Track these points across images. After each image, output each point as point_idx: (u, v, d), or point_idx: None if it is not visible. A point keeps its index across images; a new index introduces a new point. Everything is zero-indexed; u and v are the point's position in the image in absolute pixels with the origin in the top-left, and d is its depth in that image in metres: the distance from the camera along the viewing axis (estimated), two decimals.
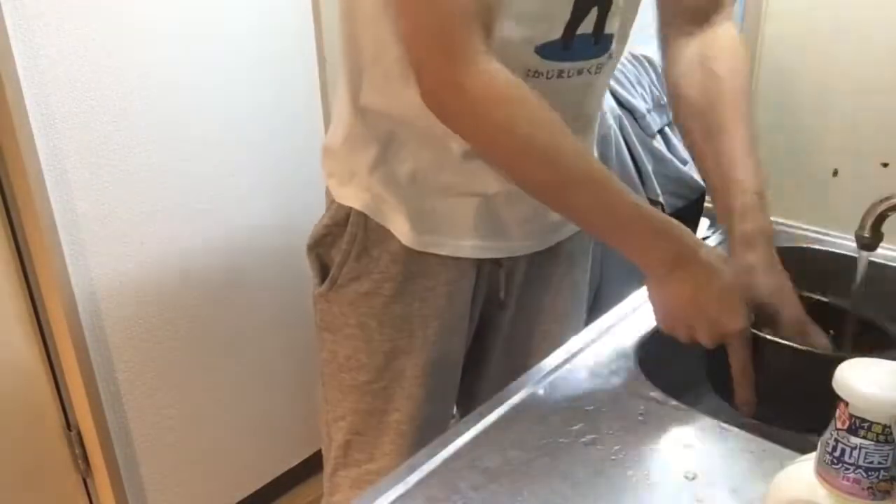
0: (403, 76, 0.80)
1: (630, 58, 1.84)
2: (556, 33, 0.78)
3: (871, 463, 0.49)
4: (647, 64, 1.86)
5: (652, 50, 1.90)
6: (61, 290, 1.37)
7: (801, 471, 0.54)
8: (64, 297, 1.38)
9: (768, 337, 0.78)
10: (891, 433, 0.49)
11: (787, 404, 0.79)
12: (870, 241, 0.84)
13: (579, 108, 0.88)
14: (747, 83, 0.87)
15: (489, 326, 1.03)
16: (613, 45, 0.85)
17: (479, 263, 0.95)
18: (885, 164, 1.10)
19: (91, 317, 1.44)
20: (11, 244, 1.36)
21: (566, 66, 0.81)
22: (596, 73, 0.85)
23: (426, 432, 0.98)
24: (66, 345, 1.42)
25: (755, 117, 1.22)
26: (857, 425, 0.49)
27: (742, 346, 0.76)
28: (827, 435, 0.51)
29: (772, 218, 1.17)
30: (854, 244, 0.86)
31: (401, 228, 0.91)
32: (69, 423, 1.51)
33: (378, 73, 0.85)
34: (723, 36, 0.89)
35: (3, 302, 1.37)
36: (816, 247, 1.10)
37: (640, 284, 1.03)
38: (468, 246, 0.92)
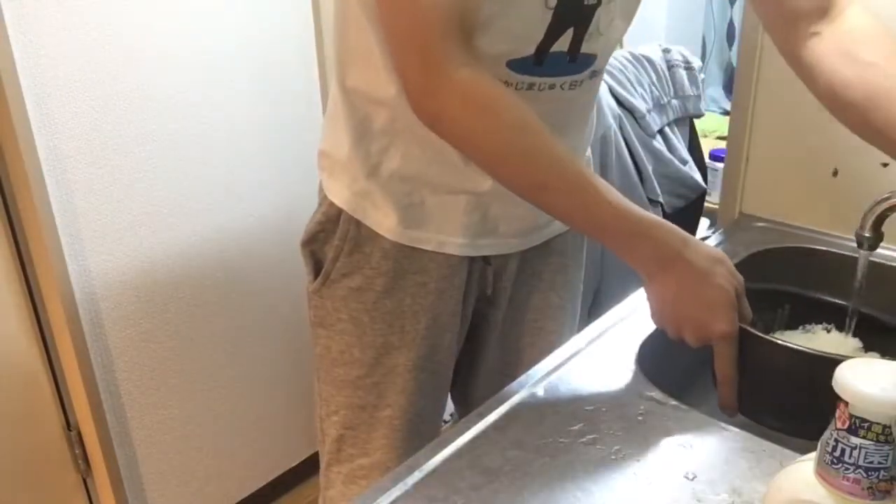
0: (387, 70, 0.81)
1: (630, 58, 1.84)
2: (529, 51, 0.79)
3: (871, 463, 0.49)
4: (647, 64, 1.86)
5: (652, 50, 1.90)
6: (61, 290, 1.37)
7: (801, 471, 0.54)
8: (64, 297, 1.38)
9: (760, 335, 0.78)
10: (891, 433, 0.49)
11: (781, 406, 0.79)
12: (870, 240, 0.84)
13: (552, 121, 0.88)
14: None
15: (482, 324, 1.04)
16: (596, 64, 0.85)
17: (471, 261, 0.96)
18: (885, 164, 1.09)
19: (91, 317, 1.44)
20: (11, 244, 1.36)
21: (537, 80, 0.82)
22: (570, 88, 0.84)
23: (418, 427, 0.99)
24: (66, 345, 1.42)
25: (756, 116, 1.22)
26: (857, 425, 0.49)
27: (727, 349, 0.77)
28: (827, 435, 0.51)
29: (772, 218, 1.18)
30: (854, 244, 0.86)
31: (387, 223, 0.91)
32: (69, 423, 1.51)
33: (365, 65, 0.85)
34: (856, 24, 0.81)
35: (3, 302, 1.37)
36: (816, 247, 1.10)
37: (640, 284, 1.03)
38: (456, 243, 0.93)
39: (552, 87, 0.83)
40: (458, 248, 0.93)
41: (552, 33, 0.78)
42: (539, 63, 0.80)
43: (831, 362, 0.73)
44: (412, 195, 0.90)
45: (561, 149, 0.75)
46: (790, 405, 0.78)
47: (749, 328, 0.78)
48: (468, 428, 0.75)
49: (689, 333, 0.78)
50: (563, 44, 0.80)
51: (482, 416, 0.77)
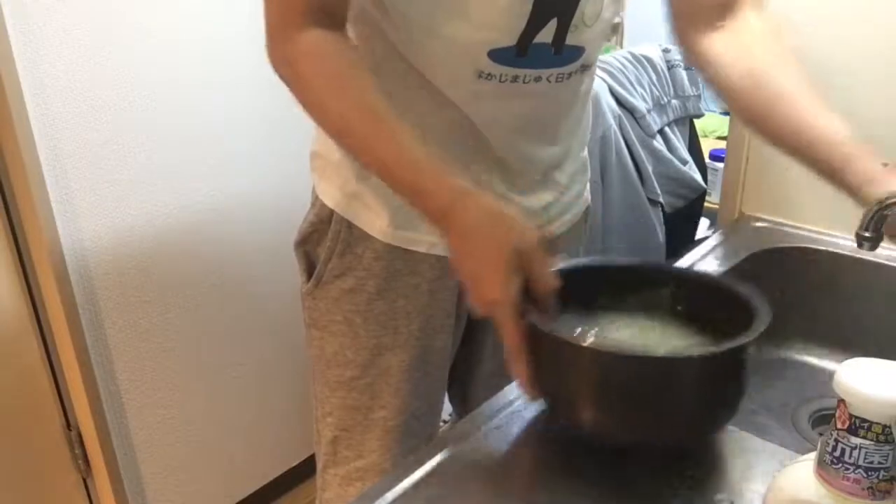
0: (376, 74, 0.80)
1: (630, 58, 1.84)
2: (511, 40, 0.77)
3: (871, 463, 0.50)
4: (647, 64, 1.86)
5: (652, 50, 1.90)
6: (62, 291, 1.37)
7: (801, 471, 0.54)
8: (64, 296, 1.38)
9: (545, 330, 0.67)
10: (891, 433, 0.49)
11: (577, 408, 0.70)
12: (870, 240, 0.84)
13: (540, 116, 0.87)
14: (794, 60, 0.84)
15: (478, 326, 1.03)
16: (585, 58, 0.83)
17: None
18: (885, 164, 1.10)
19: (91, 317, 1.44)
20: (11, 243, 1.36)
21: (521, 72, 0.80)
22: (558, 81, 0.83)
23: (413, 428, 0.98)
24: (66, 345, 1.42)
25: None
26: (857, 425, 0.49)
27: (502, 319, 0.68)
28: (827, 435, 0.51)
29: (772, 218, 1.18)
30: (854, 244, 0.86)
31: (378, 224, 0.91)
32: (69, 423, 1.51)
33: None
34: (755, 25, 0.86)
35: (3, 302, 1.37)
36: (816, 247, 1.10)
37: None
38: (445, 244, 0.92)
39: (538, 79, 0.81)
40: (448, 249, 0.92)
41: (534, 23, 0.76)
42: (522, 54, 0.78)
43: (620, 357, 0.65)
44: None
45: (373, 107, 0.74)
46: (582, 406, 0.69)
47: (536, 322, 0.67)
48: (468, 428, 0.75)
49: (470, 298, 0.71)
50: (546, 35, 0.78)
51: (482, 417, 0.77)
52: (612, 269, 0.82)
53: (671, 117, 1.92)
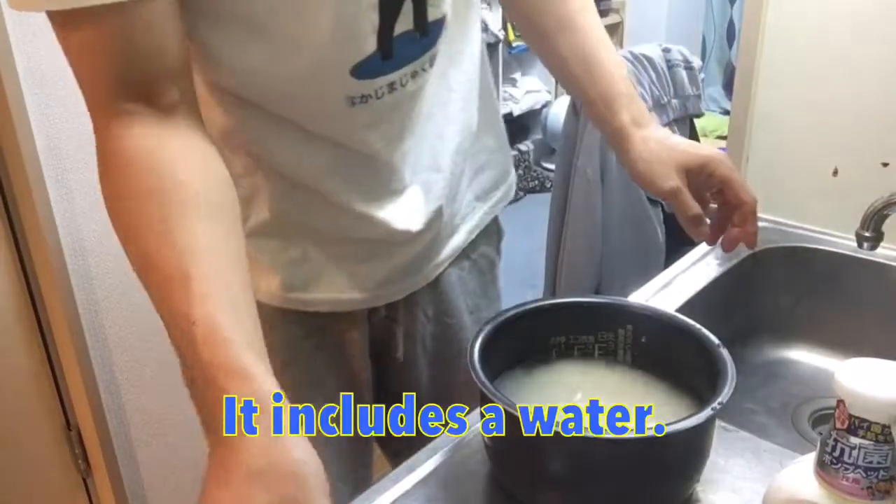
0: (245, 112, 0.70)
1: (630, 57, 1.84)
2: (370, 46, 0.65)
3: (871, 463, 0.49)
4: (646, 64, 1.86)
5: (652, 49, 1.90)
6: (62, 291, 1.37)
7: (801, 471, 0.54)
8: (64, 297, 1.38)
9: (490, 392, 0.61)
10: (890, 433, 0.49)
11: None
12: (870, 240, 0.84)
13: (438, 107, 0.76)
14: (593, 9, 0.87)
15: (408, 388, 0.92)
16: (447, 27, 0.71)
17: (370, 311, 0.84)
18: (886, 164, 1.10)
19: (91, 316, 1.44)
20: (11, 243, 1.36)
21: (395, 76, 0.68)
22: (431, 66, 0.72)
23: (339, 490, 0.83)
24: (66, 345, 1.42)
25: (756, 116, 1.22)
26: (857, 425, 0.49)
27: None
28: (826, 435, 0.51)
29: (772, 218, 1.18)
30: (854, 244, 0.86)
31: (265, 288, 0.78)
32: (69, 423, 1.51)
33: (215, 109, 0.71)
34: None
35: (4, 303, 1.38)
36: (816, 247, 1.10)
37: (639, 285, 1.03)
38: (353, 300, 0.81)
39: (415, 74, 0.70)
40: (356, 303, 0.81)
41: (387, 13, 0.65)
42: (388, 56, 0.67)
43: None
44: (290, 250, 0.77)
45: (195, 238, 0.58)
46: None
47: (485, 388, 0.62)
48: (467, 429, 0.75)
49: None
50: (406, 22, 0.67)
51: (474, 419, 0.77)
52: (566, 309, 0.75)
53: (671, 117, 1.92)
